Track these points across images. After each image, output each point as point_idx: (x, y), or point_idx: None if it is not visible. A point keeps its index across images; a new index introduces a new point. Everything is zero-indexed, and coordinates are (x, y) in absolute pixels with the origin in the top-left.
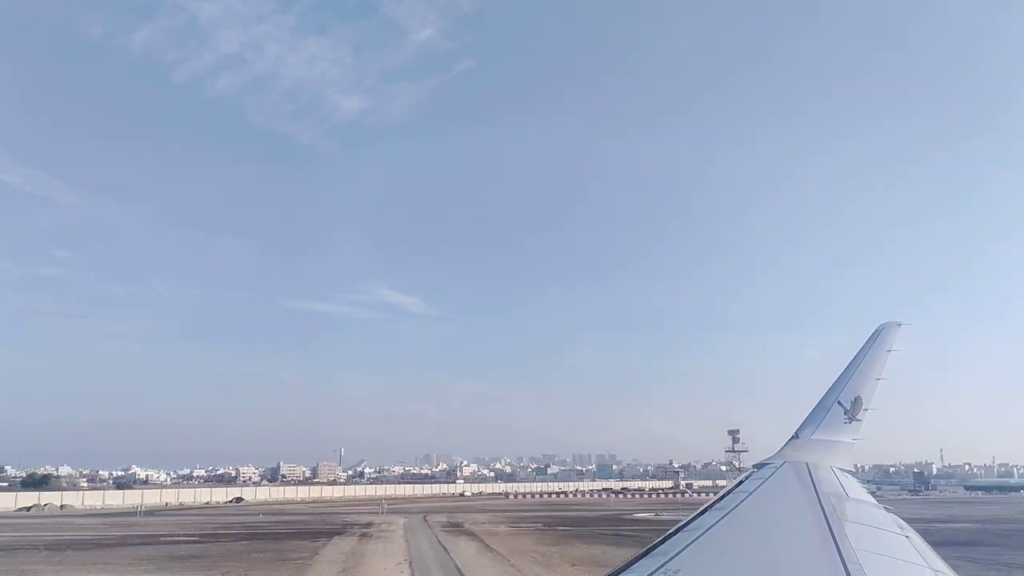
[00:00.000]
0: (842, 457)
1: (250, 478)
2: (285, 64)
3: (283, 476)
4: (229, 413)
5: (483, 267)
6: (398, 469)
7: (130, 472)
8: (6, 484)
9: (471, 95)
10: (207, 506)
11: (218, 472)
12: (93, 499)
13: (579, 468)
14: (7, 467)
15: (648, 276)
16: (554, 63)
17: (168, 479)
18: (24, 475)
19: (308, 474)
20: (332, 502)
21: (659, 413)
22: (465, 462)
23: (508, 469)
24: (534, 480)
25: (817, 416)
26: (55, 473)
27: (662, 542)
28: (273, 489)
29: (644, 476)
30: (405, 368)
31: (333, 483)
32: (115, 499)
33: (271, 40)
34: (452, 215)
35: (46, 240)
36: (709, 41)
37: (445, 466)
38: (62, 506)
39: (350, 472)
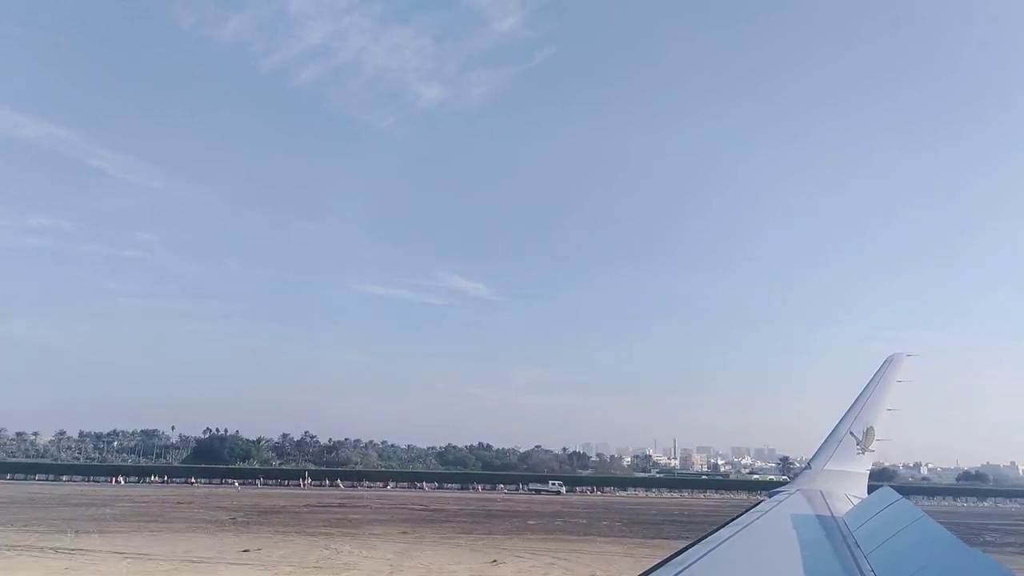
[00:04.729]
0: (856, 487)
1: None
2: (368, 53)
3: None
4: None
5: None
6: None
7: None
8: None
9: (551, 84)
10: None
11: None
12: None
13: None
14: None
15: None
16: (636, 51)
17: None
18: None
19: (677, 465)
20: None
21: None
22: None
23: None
24: None
25: (829, 447)
26: None
27: (680, 552)
28: None
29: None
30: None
31: None
32: None
33: (356, 30)
34: (532, 204)
35: (131, 222)
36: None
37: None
38: None
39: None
